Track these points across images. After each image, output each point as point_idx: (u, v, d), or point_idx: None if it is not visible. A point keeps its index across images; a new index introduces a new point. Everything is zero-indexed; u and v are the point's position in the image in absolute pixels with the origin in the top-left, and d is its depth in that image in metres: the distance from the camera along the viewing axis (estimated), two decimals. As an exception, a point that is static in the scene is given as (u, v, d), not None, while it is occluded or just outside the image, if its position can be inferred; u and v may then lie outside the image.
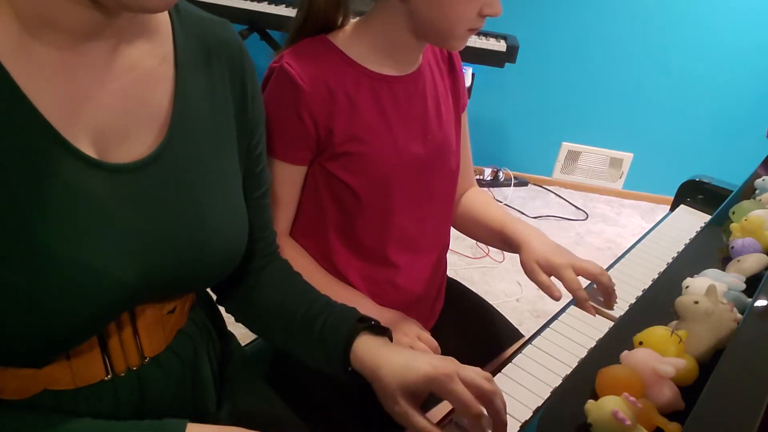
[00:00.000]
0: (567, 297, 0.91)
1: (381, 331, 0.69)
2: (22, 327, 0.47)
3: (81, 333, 0.52)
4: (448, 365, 0.62)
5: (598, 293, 0.93)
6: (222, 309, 0.80)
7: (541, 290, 0.90)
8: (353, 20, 0.88)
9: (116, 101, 0.53)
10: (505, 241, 0.99)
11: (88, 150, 0.51)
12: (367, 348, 0.66)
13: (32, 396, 0.54)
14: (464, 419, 0.62)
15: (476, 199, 1.09)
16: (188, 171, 0.58)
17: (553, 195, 3.17)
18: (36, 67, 0.48)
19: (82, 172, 0.50)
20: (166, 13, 0.59)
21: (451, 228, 1.07)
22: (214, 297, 0.79)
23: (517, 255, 0.95)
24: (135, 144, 0.55)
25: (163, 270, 0.55)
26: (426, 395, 0.64)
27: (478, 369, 0.64)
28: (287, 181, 0.86)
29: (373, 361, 0.65)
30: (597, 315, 0.89)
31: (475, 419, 0.60)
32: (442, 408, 0.65)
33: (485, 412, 0.61)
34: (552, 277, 0.90)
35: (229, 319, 0.81)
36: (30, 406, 0.54)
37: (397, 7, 0.80)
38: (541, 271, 0.90)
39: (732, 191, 1.22)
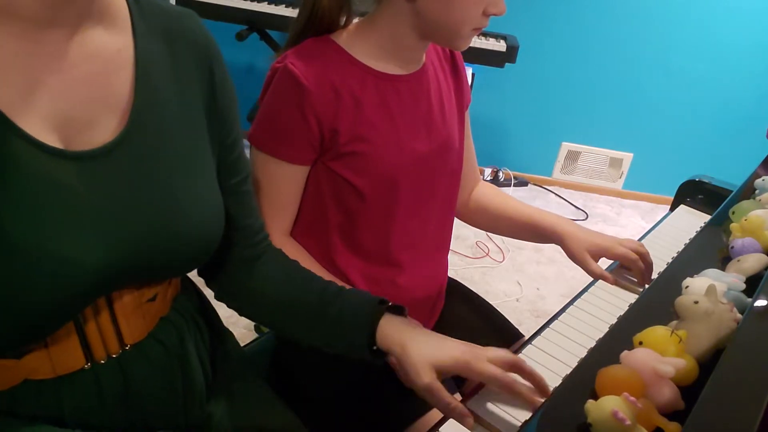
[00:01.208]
0: (565, 297, 0.91)
1: (399, 310, 0.73)
2: None
3: (54, 320, 0.52)
4: (475, 348, 0.69)
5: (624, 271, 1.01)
6: (218, 307, 0.79)
7: (593, 278, 0.98)
8: (355, 20, 0.88)
9: (76, 89, 0.53)
10: (540, 234, 1.04)
11: (51, 138, 0.51)
12: (393, 327, 0.71)
13: (14, 387, 0.54)
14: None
15: (491, 193, 1.13)
16: (155, 156, 0.58)
17: (553, 195, 3.17)
18: None
19: (42, 161, 0.50)
20: (124, 3, 0.59)
21: (452, 228, 1.07)
22: (212, 294, 0.79)
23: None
24: (99, 131, 0.55)
25: (134, 255, 0.55)
26: (449, 376, 0.69)
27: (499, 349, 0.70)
28: (289, 181, 0.86)
29: (401, 338, 0.70)
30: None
31: (509, 387, 0.67)
32: (434, 415, 0.67)
33: (516, 378, 0.67)
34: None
35: (229, 320, 0.81)
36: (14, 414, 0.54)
37: (403, 6, 0.80)
38: (592, 261, 0.97)
39: (732, 191, 1.22)
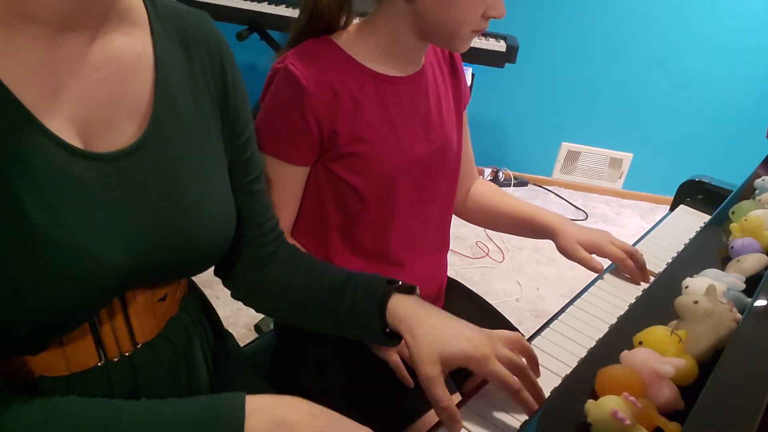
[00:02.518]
0: (565, 297, 0.91)
1: (409, 289, 0.72)
2: (18, 311, 0.48)
3: (74, 318, 0.53)
4: (486, 344, 0.66)
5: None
6: (218, 308, 0.80)
7: (583, 267, 0.99)
8: (356, 21, 0.88)
9: (97, 92, 0.54)
10: (534, 230, 1.06)
11: (73, 139, 0.52)
12: (403, 307, 0.70)
13: (27, 383, 0.55)
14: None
15: (489, 190, 1.14)
16: (172, 158, 0.59)
17: (553, 195, 3.17)
18: (14, 59, 0.48)
19: (66, 160, 0.51)
20: (142, 6, 0.60)
21: (451, 228, 1.07)
22: (213, 294, 0.79)
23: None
24: (119, 133, 0.56)
25: (152, 255, 0.56)
26: (455, 368, 0.67)
27: (509, 335, 0.70)
28: (290, 181, 0.86)
29: (410, 320, 0.68)
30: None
31: (514, 393, 0.65)
32: (434, 415, 0.66)
33: (522, 387, 0.66)
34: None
35: (228, 320, 0.81)
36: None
37: (402, 8, 0.80)
38: (582, 249, 0.98)
39: (732, 191, 1.22)
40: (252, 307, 0.80)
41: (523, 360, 0.70)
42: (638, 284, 0.98)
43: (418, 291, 0.73)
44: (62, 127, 0.51)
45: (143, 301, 0.61)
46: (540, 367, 0.78)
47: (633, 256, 0.98)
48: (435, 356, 0.65)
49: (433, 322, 0.68)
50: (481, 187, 1.14)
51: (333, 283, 0.74)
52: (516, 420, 0.69)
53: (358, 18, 0.88)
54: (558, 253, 1.04)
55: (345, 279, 0.74)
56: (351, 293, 0.72)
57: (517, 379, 0.66)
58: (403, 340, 0.70)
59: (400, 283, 0.72)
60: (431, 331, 0.67)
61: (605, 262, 1.00)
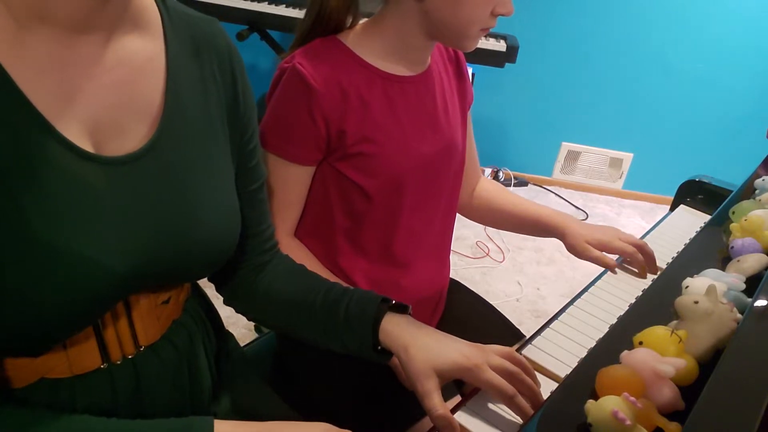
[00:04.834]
0: (565, 297, 0.91)
1: (402, 308, 0.72)
2: (18, 317, 0.48)
3: (77, 323, 0.53)
4: (478, 355, 0.67)
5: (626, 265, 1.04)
6: (218, 308, 0.80)
7: (597, 265, 1.00)
8: (362, 21, 0.88)
9: (108, 95, 0.54)
10: (541, 230, 1.08)
11: (83, 142, 0.51)
12: (395, 325, 0.70)
13: (29, 385, 0.55)
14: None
15: (494, 190, 1.15)
16: (180, 164, 0.59)
17: (553, 195, 3.17)
18: (29, 60, 0.48)
19: (75, 164, 0.50)
20: (156, 9, 0.60)
21: (453, 229, 1.07)
22: (221, 299, 0.79)
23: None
24: (128, 137, 0.55)
25: (155, 261, 0.56)
26: (450, 380, 0.68)
27: (502, 348, 0.70)
28: (295, 181, 0.86)
29: (404, 340, 0.69)
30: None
31: (509, 400, 0.66)
32: (427, 423, 0.66)
33: (517, 392, 0.66)
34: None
35: (228, 320, 0.81)
36: (28, 402, 0.55)
37: (411, 7, 0.80)
38: (593, 248, 1.00)
39: (732, 191, 1.22)
40: (244, 315, 0.80)
41: (517, 367, 0.69)
42: (645, 277, 1.00)
43: (410, 310, 0.73)
44: (73, 129, 0.51)
45: (147, 304, 0.60)
46: (540, 366, 0.78)
47: (643, 249, 1.00)
48: (430, 370, 0.66)
49: (426, 340, 0.69)
50: (487, 186, 1.15)
51: (327, 297, 0.74)
52: (516, 420, 0.69)
53: (363, 18, 0.88)
54: (558, 253, 1.04)
55: (339, 294, 0.74)
56: (344, 309, 0.72)
57: (510, 385, 0.66)
58: (393, 358, 0.70)
59: (394, 302, 0.72)
60: (424, 348, 0.68)
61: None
